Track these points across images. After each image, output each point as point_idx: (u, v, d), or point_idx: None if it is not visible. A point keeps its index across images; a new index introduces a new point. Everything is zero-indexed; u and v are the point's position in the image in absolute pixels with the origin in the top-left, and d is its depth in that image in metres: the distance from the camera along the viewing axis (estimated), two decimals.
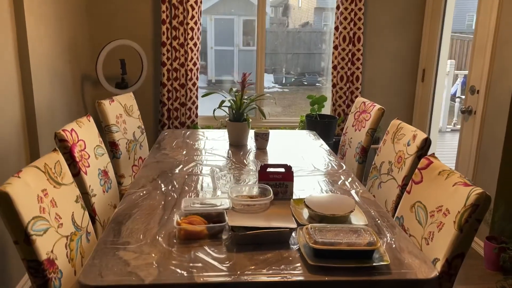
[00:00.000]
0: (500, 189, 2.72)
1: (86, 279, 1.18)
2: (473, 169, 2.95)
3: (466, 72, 7.31)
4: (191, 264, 1.27)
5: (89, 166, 1.88)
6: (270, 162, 2.24)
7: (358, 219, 1.55)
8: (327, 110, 3.70)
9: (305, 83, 7.32)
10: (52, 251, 1.27)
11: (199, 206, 1.55)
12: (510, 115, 2.64)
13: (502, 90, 2.69)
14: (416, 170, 1.58)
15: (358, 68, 3.58)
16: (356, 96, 3.62)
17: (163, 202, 1.69)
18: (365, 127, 2.53)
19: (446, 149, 5.40)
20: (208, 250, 1.35)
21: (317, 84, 6.80)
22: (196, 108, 3.60)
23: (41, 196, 1.29)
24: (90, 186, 1.84)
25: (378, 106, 2.49)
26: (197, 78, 3.55)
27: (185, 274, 1.22)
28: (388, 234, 1.48)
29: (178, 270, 1.24)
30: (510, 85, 2.62)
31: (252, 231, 1.36)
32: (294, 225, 1.41)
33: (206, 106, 3.72)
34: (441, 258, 1.29)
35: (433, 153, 1.56)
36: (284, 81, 7.26)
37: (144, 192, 1.79)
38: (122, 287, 1.17)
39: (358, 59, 3.56)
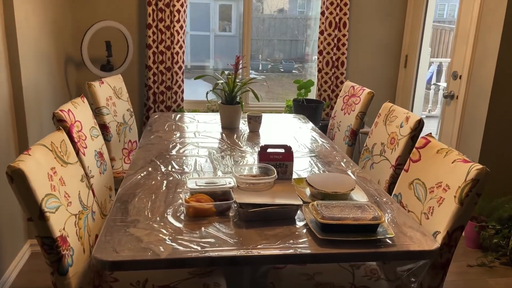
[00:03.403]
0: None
1: (102, 254, 1.19)
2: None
3: (441, 59, 7.53)
4: (203, 240, 1.29)
5: (86, 147, 1.86)
6: (263, 143, 2.27)
7: (359, 197, 1.60)
8: (312, 95, 3.74)
9: (282, 69, 7.35)
10: (64, 229, 1.27)
11: (204, 185, 1.57)
12: (491, 99, 2.76)
13: (484, 75, 2.79)
14: (414, 149, 1.65)
15: (343, 54, 3.63)
16: (341, 82, 3.68)
17: (165, 182, 1.70)
18: (354, 111, 2.58)
19: (422, 134, 5.56)
20: (218, 227, 1.37)
21: (293, 71, 6.85)
22: (182, 92, 3.58)
23: (51, 174, 1.28)
24: (88, 167, 1.82)
25: (367, 90, 2.55)
26: (183, 62, 3.52)
27: (200, 248, 1.24)
28: (388, 210, 1.54)
29: (192, 245, 1.26)
30: (491, 70, 2.72)
31: (261, 208, 1.39)
32: (299, 202, 1.45)
33: (191, 90, 3.70)
34: (442, 231, 1.35)
35: (430, 133, 1.63)
36: (260, 68, 7.27)
37: (145, 173, 1.79)
38: (138, 262, 1.19)
39: (343, 45, 3.61)
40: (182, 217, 1.43)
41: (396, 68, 3.87)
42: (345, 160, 2.05)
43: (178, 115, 2.81)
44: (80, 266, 1.34)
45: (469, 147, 2.93)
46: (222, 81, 2.47)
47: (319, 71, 3.68)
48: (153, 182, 1.70)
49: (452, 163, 1.42)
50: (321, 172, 1.88)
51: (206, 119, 2.74)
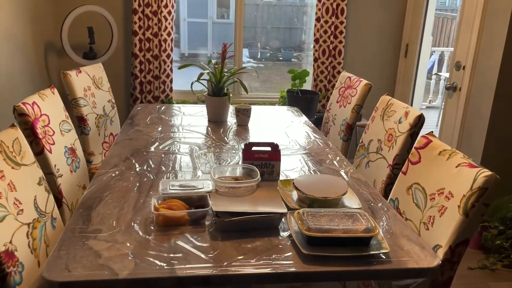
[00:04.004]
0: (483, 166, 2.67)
1: (51, 274, 1.03)
2: (457, 147, 2.90)
3: (443, 48, 7.33)
4: (171, 255, 1.13)
5: (54, 143, 1.70)
6: (252, 139, 2.11)
7: (351, 202, 1.44)
8: (308, 85, 3.57)
9: (281, 58, 7.15)
10: (11, 242, 1.11)
11: (179, 188, 1.40)
12: (496, 91, 2.58)
13: (490, 66, 2.61)
14: (413, 149, 1.48)
15: (340, 42, 3.44)
16: (338, 72, 3.50)
17: (138, 184, 1.54)
18: (350, 103, 2.41)
19: (423, 132, 5.39)
20: (190, 238, 1.21)
21: (292, 59, 6.65)
22: (171, 81, 3.41)
23: None
24: (55, 165, 1.66)
25: (364, 81, 2.37)
26: (171, 50, 3.34)
27: (165, 267, 1.08)
28: (383, 218, 1.38)
29: (157, 262, 1.10)
30: (498, 60, 2.54)
31: (239, 217, 1.23)
32: (284, 210, 1.29)
33: (181, 80, 3.52)
34: (444, 245, 1.19)
35: (431, 131, 1.46)
36: (259, 56, 7.07)
37: (117, 172, 1.63)
38: (92, 283, 1.03)
39: (341, 32, 3.42)
40: (152, 226, 1.27)
41: (396, 58, 3.68)
42: (338, 158, 1.89)
43: (163, 107, 2.64)
44: (33, 282, 1.18)
45: (472, 142, 2.77)
46: (207, 71, 2.29)
47: (315, 60, 3.50)
48: (124, 184, 1.53)
49: (456, 167, 1.26)
50: (311, 172, 1.72)
51: (192, 111, 2.57)
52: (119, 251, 1.14)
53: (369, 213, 1.40)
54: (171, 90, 3.43)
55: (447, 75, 6.29)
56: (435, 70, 6.78)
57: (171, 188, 1.40)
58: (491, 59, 2.59)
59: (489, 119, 2.62)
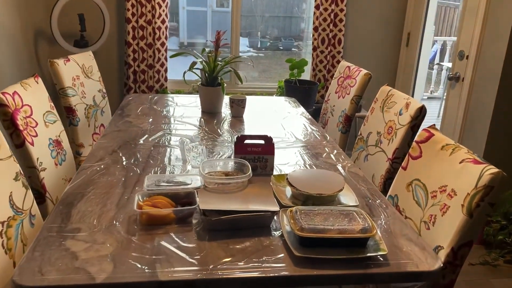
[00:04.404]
0: (486, 160, 2.59)
1: (22, 278, 0.96)
2: (459, 139, 2.82)
3: (445, 38, 7.20)
4: (154, 257, 1.06)
5: (36, 135, 1.62)
6: (246, 131, 2.02)
7: (347, 199, 1.36)
8: (306, 75, 3.47)
9: (281, 47, 7.03)
10: None
11: (165, 184, 1.33)
12: (501, 82, 2.49)
13: (494, 56, 2.52)
14: (414, 143, 1.40)
15: (340, 30, 3.34)
16: (338, 61, 3.40)
17: (123, 179, 1.46)
18: (349, 94, 2.32)
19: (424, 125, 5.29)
20: (175, 238, 1.14)
21: (293, 49, 6.53)
22: (165, 70, 3.31)
23: None
24: (38, 159, 1.58)
25: (364, 71, 2.28)
26: (166, 38, 3.24)
27: (146, 270, 1.01)
28: (382, 216, 1.30)
29: (138, 265, 1.02)
30: (503, 50, 2.45)
31: (227, 216, 1.15)
32: (276, 208, 1.21)
33: (176, 69, 3.42)
34: (446, 247, 1.12)
35: (433, 124, 1.37)
36: (259, 45, 6.95)
37: (102, 166, 1.55)
38: (67, 287, 0.95)
39: (341, 21, 3.32)
40: (135, 225, 1.19)
41: (398, 47, 3.58)
42: (335, 151, 1.81)
43: (156, 97, 2.55)
44: (6, 284, 1.11)
45: (475, 134, 2.68)
46: (200, 60, 2.20)
47: (314, 49, 3.40)
48: (109, 179, 1.45)
49: (460, 163, 1.18)
50: (307, 167, 1.64)
51: (185, 102, 2.48)
52: (98, 252, 1.06)
53: (366, 211, 1.32)
54: (165, 79, 3.33)
55: (450, 65, 6.19)
56: (437, 60, 6.67)
57: (157, 184, 1.32)
58: (496, 48, 2.50)
59: (493, 110, 2.53)
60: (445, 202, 1.17)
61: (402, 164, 1.43)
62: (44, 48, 3.09)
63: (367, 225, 1.12)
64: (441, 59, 6.78)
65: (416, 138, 1.39)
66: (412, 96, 3.59)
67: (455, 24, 8.63)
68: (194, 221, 1.22)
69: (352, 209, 1.20)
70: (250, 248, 1.11)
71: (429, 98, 6.37)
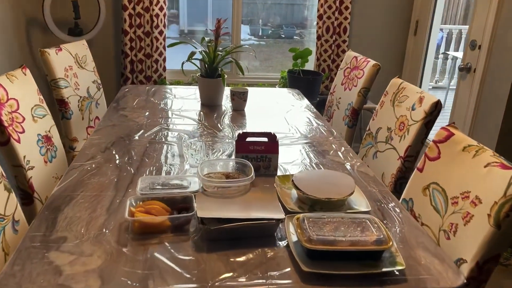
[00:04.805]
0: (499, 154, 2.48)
1: None
2: (469, 133, 2.71)
3: (450, 26, 7.04)
4: (146, 272, 0.95)
5: (23, 131, 1.51)
6: (248, 126, 1.91)
7: (358, 203, 1.26)
8: (310, 65, 3.34)
9: (283, 35, 6.87)
10: None
11: (160, 188, 1.22)
12: None
13: (509, 45, 2.39)
14: (431, 143, 1.28)
15: (346, 18, 3.21)
16: (343, 50, 3.27)
17: (116, 180, 1.35)
18: (356, 86, 2.21)
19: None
20: (171, 249, 1.03)
21: (294, 37, 6.38)
22: (164, 60, 3.19)
23: None
24: (25, 157, 1.47)
25: (372, 62, 2.16)
26: (164, 26, 3.11)
27: (138, 286, 0.91)
28: (395, 222, 1.20)
29: (128, 281, 0.92)
30: None
31: (228, 225, 1.05)
32: (281, 215, 1.11)
33: (176, 58, 3.29)
34: (469, 260, 1.01)
35: (453, 122, 1.26)
36: (260, 33, 6.80)
37: (93, 165, 1.44)
38: None
39: (346, 8, 3.18)
40: (127, 233, 1.09)
41: (405, 35, 3.45)
42: (343, 149, 1.70)
43: (153, 89, 2.43)
44: None
45: (486, 128, 2.57)
46: (200, 50, 2.08)
47: (319, 38, 3.27)
48: (100, 179, 1.35)
49: (485, 167, 1.07)
50: (313, 166, 1.53)
51: (184, 94, 2.37)
52: (85, 266, 0.96)
53: (379, 216, 1.22)
54: (164, 69, 3.21)
55: (455, 54, 6.05)
56: (442, 49, 6.52)
57: (151, 187, 1.22)
58: (511, 37, 2.37)
59: (507, 103, 2.41)
60: (468, 210, 1.06)
61: (418, 165, 1.32)
62: (37, 37, 2.97)
63: (382, 236, 1.02)
64: (446, 47, 6.63)
65: (434, 137, 1.28)
66: (420, 86, 3.46)
67: (460, 12, 8.45)
68: (191, 229, 1.12)
69: (365, 217, 1.10)
70: (252, 261, 1.01)
71: (434, 88, 6.24)
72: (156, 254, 1.01)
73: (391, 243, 1.00)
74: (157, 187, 1.22)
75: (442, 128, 1.26)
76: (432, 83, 6.32)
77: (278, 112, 2.13)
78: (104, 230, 1.09)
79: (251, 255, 1.03)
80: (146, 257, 1.00)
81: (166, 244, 1.05)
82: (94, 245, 1.03)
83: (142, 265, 0.97)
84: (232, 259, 1.01)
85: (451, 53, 6.21)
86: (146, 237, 1.07)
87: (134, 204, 1.15)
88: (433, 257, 1.05)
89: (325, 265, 0.98)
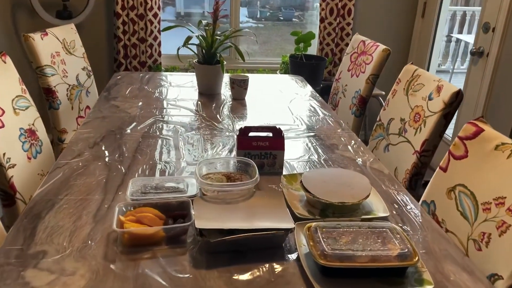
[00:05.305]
0: None
1: None
2: None
3: (455, 8, 6.84)
4: None
5: (3, 126, 1.37)
6: (249, 116, 1.77)
7: (375, 206, 1.13)
8: (312, 49, 3.18)
9: (281, 17, 6.67)
10: None
11: (154, 192, 1.09)
12: None
13: None
14: (457, 139, 1.15)
15: (350, 0, 3.04)
16: (347, 33, 3.11)
17: (104, 180, 1.22)
18: (365, 73, 2.06)
19: None
20: (165, 265, 0.90)
21: (293, 19, 6.19)
22: (159, 45, 3.02)
23: None
24: (5, 154, 1.34)
25: (382, 46, 2.01)
26: (158, 8, 2.94)
27: None
28: (417, 228, 1.07)
29: None
30: None
31: (230, 237, 0.92)
32: (290, 224, 0.98)
33: (172, 42, 3.12)
34: (506, 277, 0.89)
35: (482, 116, 1.12)
36: (258, 16, 6.59)
37: (80, 164, 1.31)
38: None
39: None
40: (116, 246, 0.96)
41: (412, 18, 3.28)
42: (353, 142, 1.56)
43: (147, 75, 2.28)
44: None
45: (499, 115, 2.43)
46: (196, 34, 1.92)
47: (322, 20, 3.10)
48: (87, 180, 1.21)
49: None
50: (322, 163, 1.40)
51: (181, 81, 2.22)
52: (66, 287, 0.83)
53: (398, 221, 1.09)
54: (159, 54, 3.05)
55: (460, 36, 5.87)
56: (445, 31, 6.33)
57: (143, 191, 1.08)
58: None
59: None
60: (504, 219, 0.94)
61: (441, 163, 1.19)
62: (23, 21, 2.79)
63: (406, 249, 0.89)
64: (451, 30, 6.45)
65: (460, 133, 1.14)
66: (427, 71, 3.32)
67: None
68: (188, 240, 0.99)
69: (385, 226, 0.97)
70: (258, 279, 0.88)
71: (437, 71, 6.08)
72: (148, 272, 0.88)
73: (417, 258, 0.88)
74: (150, 191, 1.09)
75: (469, 122, 1.12)
76: (435, 67, 6.17)
77: (281, 101, 1.99)
78: (89, 242, 0.96)
79: (257, 272, 0.90)
80: (136, 275, 0.87)
81: (160, 258, 0.93)
82: (77, 261, 0.90)
83: (132, 285, 0.85)
84: (235, 277, 0.88)
85: (455, 35, 6.04)
86: (138, 251, 0.94)
87: (125, 210, 1.02)
88: (462, 271, 0.93)
89: (341, 284, 0.86)
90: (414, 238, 1.04)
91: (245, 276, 0.89)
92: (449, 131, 2.67)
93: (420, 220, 1.11)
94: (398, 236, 0.94)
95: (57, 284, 0.84)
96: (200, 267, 0.90)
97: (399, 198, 1.21)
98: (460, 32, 6.31)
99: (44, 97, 1.91)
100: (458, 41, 5.87)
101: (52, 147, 1.73)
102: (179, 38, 2.07)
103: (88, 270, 0.88)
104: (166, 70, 3.08)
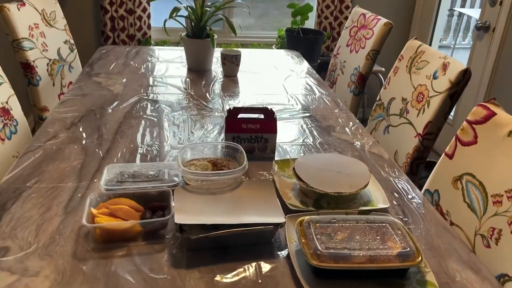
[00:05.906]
0: None
1: None
2: (484, 98, 2.47)
3: None
4: None
5: None
6: (241, 95, 1.66)
7: (374, 196, 1.04)
8: (310, 23, 3.04)
9: None
10: None
11: (131, 180, 0.99)
12: None
13: None
14: (465, 123, 1.05)
15: None
16: (346, 6, 2.97)
17: (80, 166, 1.12)
18: (364, 48, 1.94)
19: None
20: (140, 264, 0.81)
21: None
22: (148, 16, 2.87)
23: None
24: None
25: (384, 20, 1.89)
26: None
27: None
28: (420, 221, 0.98)
29: None
30: None
31: (213, 233, 0.83)
32: (280, 218, 0.88)
33: (162, 15, 2.98)
34: None
35: (493, 98, 1.02)
36: None
37: (54, 147, 1.20)
38: None
39: None
40: (87, 241, 0.86)
41: None
42: (351, 124, 1.46)
43: (134, 50, 2.15)
44: None
45: (505, 93, 2.33)
46: (184, 5, 1.79)
47: None
48: (60, 166, 1.11)
49: None
50: (317, 147, 1.30)
51: (169, 56, 2.09)
52: None
53: (399, 213, 1.00)
54: (149, 27, 2.91)
55: (463, 10, 5.69)
56: (448, 5, 6.15)
57: (119, 179, 0.98)
58: None
59: None
60: None
61: (447, 149, 1.09)
62: None
63: (408, 248, 0.80)
64: (452, 4, 6.26)
65: (468, 116, 1.04)
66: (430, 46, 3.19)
67: None
68: (167, 236, 0.89)
69: (385, 220, 0.88)
70: (244, 280, 0.79)
71: (439, 47, 5.93)
72: (121, 273, 0.79)
73: (420, 258, 0.79)
74: (127, 179, 0.99)
75: (480, 105, 1.02)
76: (437, 43, 6.01)
77: (275, 78, 1.88)
78: (57, 238, 0.87)
79: (242, 272, 0.81)
80: (108, 275, 0.78)
81: (136, 256, 0.83)
82: (42, 259, 0.81)
83: (102, 287, 0.76)
84: (218, 278, 0.79)
85: (457, 9, 5.86)
86: (111, 247, 0.85)
87: (98, 201, 0.92)
88: (468, 269, 0.85)
89: (336, 286, 0.77)
90: (416, 232, 0.95)
91: (229, 278, 0.80)
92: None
93: (423, 212, 1.02)
94: (399, 232, 0.85)
95: (17, 286, 0.75)
96: (179, 266, 0.81)
97: (400, 186, 1.11)
98: (463, 6, 6.12)
99: (22, 73, 1.79)
100: (460, 15, 5.70)
101: (34, 126, 1.63)
102: (170, 10, 1.94)
103: (54, 270, 0.79)
104: (157, 44, 2.94)
